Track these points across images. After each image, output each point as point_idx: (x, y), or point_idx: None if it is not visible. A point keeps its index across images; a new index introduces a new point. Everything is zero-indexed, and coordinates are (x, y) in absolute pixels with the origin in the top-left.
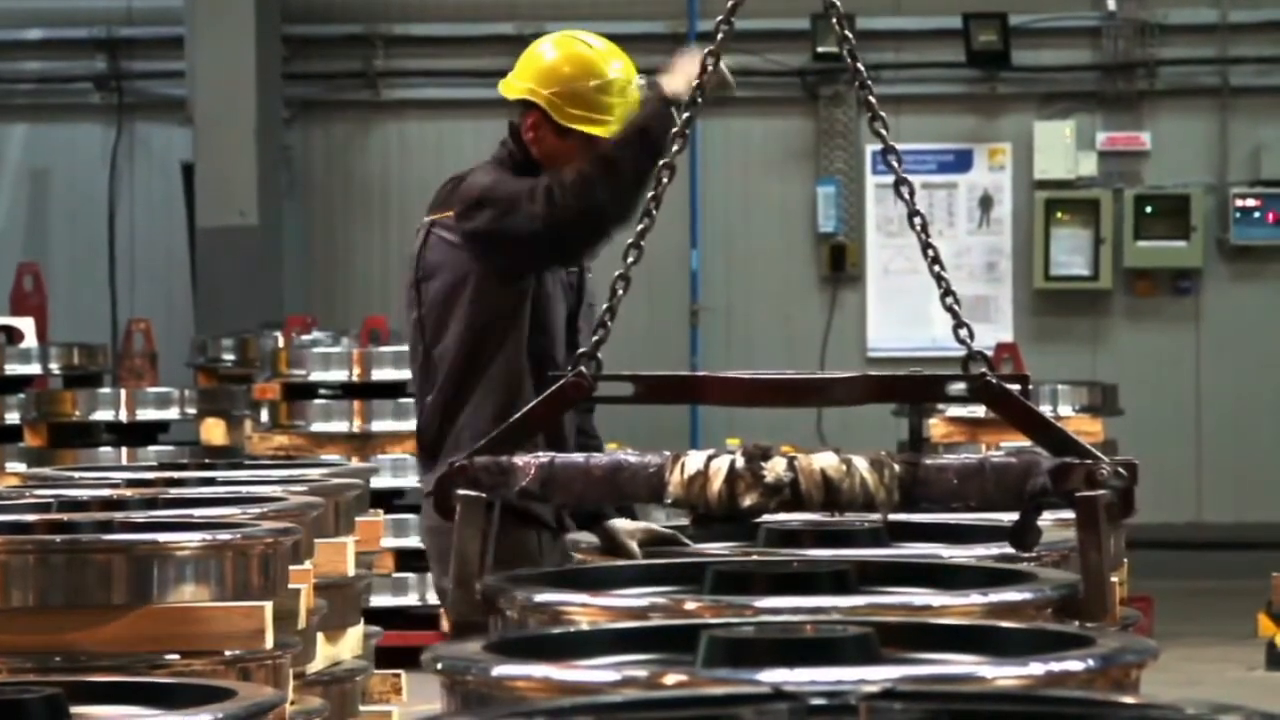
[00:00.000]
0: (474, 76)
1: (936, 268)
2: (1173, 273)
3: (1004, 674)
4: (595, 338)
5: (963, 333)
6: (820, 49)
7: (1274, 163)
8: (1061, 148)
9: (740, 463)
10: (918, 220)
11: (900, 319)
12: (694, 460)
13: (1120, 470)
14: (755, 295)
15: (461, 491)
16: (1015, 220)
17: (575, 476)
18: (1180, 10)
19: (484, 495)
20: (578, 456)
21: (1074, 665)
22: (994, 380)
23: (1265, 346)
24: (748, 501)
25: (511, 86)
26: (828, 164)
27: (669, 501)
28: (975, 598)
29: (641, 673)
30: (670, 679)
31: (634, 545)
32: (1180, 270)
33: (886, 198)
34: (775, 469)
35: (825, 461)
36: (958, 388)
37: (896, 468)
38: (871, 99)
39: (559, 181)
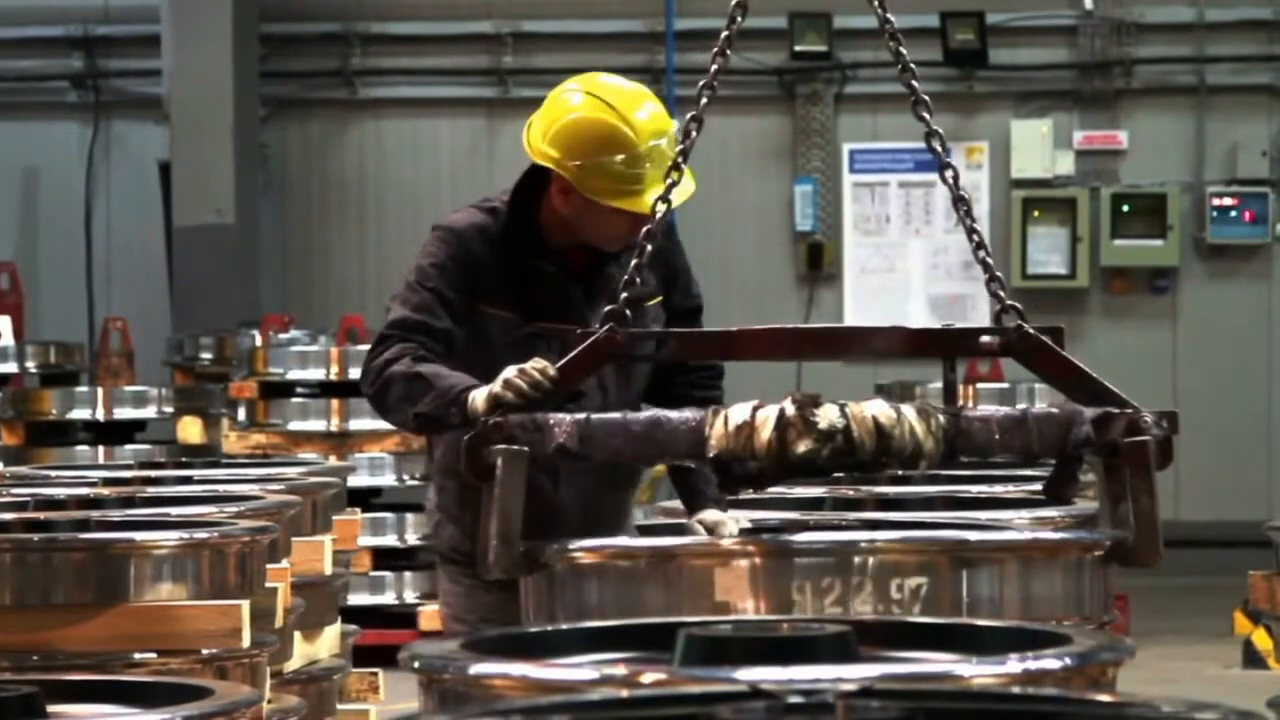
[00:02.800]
0: (451, 75)
1: (970, 220)
2: (1149, 271)
3: (981, 672)
4: (624, 295)
5: (994, 285)
6: (798, 47)
7: (1250, 161)
8: (1038, 146)
9: (791, 410)
10: (962, 206)
11: (877, 317)
12: (738, 412)
13: (1161, 420)
14: (732, 293)
15: (503, 446)
16: (992, 219)
17: (614, 433)
18: (1157, 9)
19: (525, 450)
20: (615, 414)
21: (1051, 663)
22: (1029, 331)
23: (1242, 345)
24: (800, 449)
25: (535, 147)
26: (805, 163)
27: (711, 455)
28: (1013, 535)
29: (619, 671)
30: (647, 677)
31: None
32: (1157, 269)
33: (864, 196)
34: (828, 416)
35: (877, 409)
36: (992, 340)
37: (941, 418)
38: (915, 83)
39: (377, 376)
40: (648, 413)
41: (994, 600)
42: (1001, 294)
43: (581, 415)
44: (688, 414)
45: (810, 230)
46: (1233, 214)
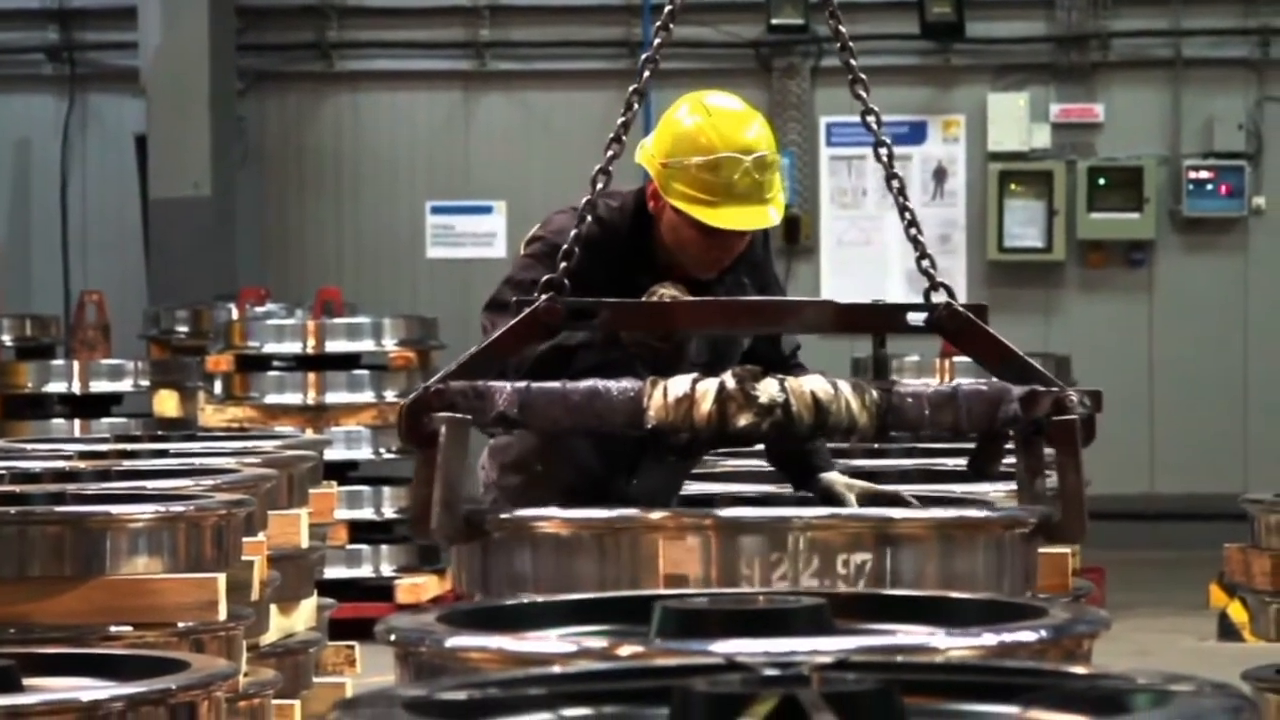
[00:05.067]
0: (427, 48)
1: (902, 199)
2: (1126, 244)
3: (956, 644)
4: (563, 265)
5: (925, 263)
6: (774, 20)
7: (1226, 135)
8: (1015, 119)
9: (731, 384)
10: (895, 183)
11: (854, 291)
12: (678, 384)
13: (1085, 398)
14: None
15: (445, 414)
16: (969, 192)
17: (553, 402)
18: None
19: (467, 417)
20: (555, 383)
21: (1026, 636)
22: (958, 309)
23: (1217, 318)
24: (741, 422)
25: (644, 146)
26: (782, 136)
27: (650, 426)
28: (939, 513)
29: (595, 644)
30: (624, 650)
31: (852, 498)
32: (1133, 242)
33: (840, 170)
34: (768, 390)
35: (815, 384)
36: (919, 317)
37: (875, 394)
38: (852, 61)
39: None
40: (587, 382)
41: (917, 576)
42: (932, 271)
43: (522, 384)
44: (626, 384)
45: (787, 204)
46: (1209, 187)
